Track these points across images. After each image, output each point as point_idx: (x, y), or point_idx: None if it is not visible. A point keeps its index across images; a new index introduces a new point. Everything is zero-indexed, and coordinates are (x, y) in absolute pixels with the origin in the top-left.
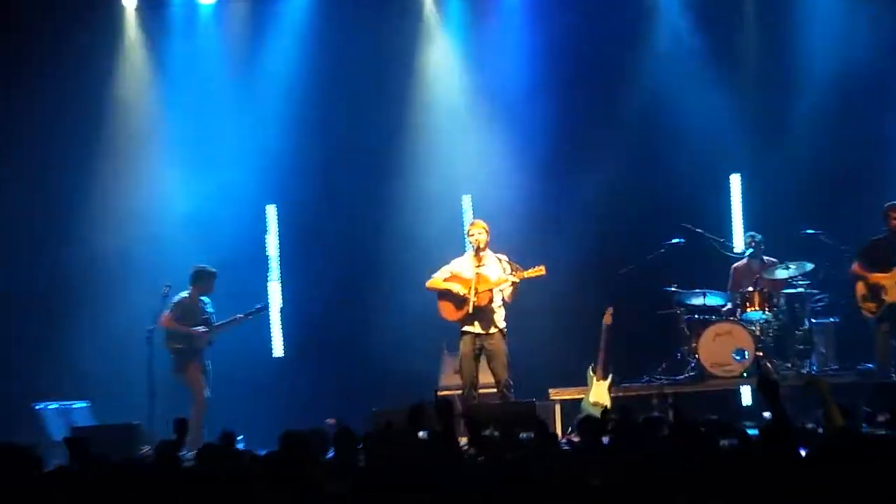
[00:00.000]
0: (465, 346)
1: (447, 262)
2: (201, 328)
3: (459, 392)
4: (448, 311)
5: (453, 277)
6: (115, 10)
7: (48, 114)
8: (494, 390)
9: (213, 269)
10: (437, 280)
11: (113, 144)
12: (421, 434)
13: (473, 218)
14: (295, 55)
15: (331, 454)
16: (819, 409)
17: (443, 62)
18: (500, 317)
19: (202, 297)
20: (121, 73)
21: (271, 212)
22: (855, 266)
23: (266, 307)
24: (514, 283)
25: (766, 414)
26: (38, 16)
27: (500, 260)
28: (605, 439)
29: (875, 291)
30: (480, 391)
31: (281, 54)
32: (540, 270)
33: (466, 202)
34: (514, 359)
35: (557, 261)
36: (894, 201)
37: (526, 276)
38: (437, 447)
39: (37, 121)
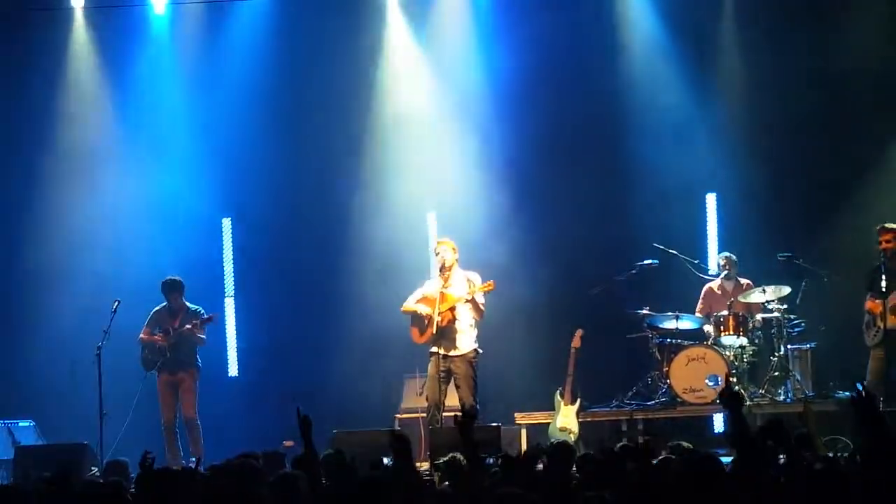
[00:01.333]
0: (431, 367)
1: (410, 282)
2: (156, 337)
3: (423, 415)
4: (415, 334)
5: (423, 300)
6: (64, 14)
7: None
8: (460, 413)
9: (168, 279)
10: (409, 303)
11: (61, 152)
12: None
13: (439, 236)
14: (251, 64)
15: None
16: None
17: (408, 75)
18: (467, 338)
19: (187, 304)
20: (68, 78)
21: (226, 225)
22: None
23: (214, 318)
24: (468, 301)
25: None
26: None
27: (469, 280)
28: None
29: (873, 319)
30: (445, 414)
31: (237, 63)
32: (489, 286)
33: (431, 220)
34: (483, 383)
35: (525, 281)
36: (885, 224)
37: (477, 290)
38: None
39: None
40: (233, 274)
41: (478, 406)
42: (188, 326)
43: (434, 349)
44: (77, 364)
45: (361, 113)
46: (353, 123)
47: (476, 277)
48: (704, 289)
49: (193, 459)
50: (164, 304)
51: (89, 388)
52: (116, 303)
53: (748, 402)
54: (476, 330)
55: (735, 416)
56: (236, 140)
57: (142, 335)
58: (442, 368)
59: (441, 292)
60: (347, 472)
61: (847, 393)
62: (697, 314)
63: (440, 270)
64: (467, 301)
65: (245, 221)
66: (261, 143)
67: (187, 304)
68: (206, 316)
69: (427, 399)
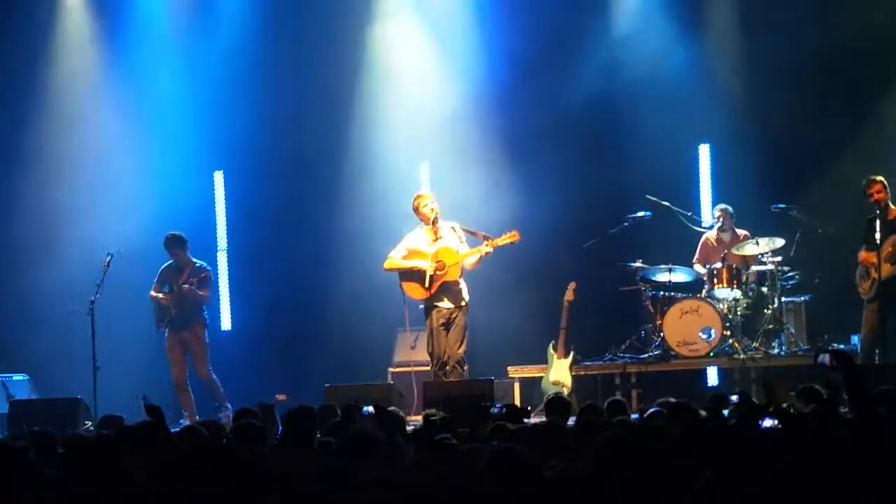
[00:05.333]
0: (433, 320)
1: (403, 233)
2: (160, 296)
3: (417, 368)
4: (415, 290)
5: (412, 254)
6: None
7: None
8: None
9: (169, 234)
10: (396, 259)
11: (52, 104)
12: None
13: (420, 190)
14: (244, 16)
15: (280, 431)
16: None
17: (401, 32)
18: (465, 289)
19: (193, 260)
20: (61, 31)
21: (219, 178)
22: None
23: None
24: (486, 254)
25: (733, 396)
26: None
27: (453, 229)
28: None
29: (867, 270)
30: (417, 368)
31: (229, 15)
32: (514, 236)
33: (424, 170)
34: (472, 335)
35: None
36: (870, 176)
37: (500, 243)
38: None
39: None
40: (226, 228)
41: (464, 357)
42: (185, 286)
43: (435, 303)
44: (70, 317)
45: (355, 66)
46: (347, 75)
47: (457, 226)
48: (701, 239)
49: (228, 406)
50: (169, 261)
51: (83, 342)
52: (108, 256)
53: (742, 356)
54: (466, 282)
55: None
56: (228, 92)
57: (150, 292)
58: (443, 321)
59: (442, 247)
60: (338, 425)
61: (841, 346)
62: (695, 265)
63: (432, 223)
64: (487, 253)
65: (237, 175)
66: (252, 95)
67: (193, 259)
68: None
69: (432, 353)
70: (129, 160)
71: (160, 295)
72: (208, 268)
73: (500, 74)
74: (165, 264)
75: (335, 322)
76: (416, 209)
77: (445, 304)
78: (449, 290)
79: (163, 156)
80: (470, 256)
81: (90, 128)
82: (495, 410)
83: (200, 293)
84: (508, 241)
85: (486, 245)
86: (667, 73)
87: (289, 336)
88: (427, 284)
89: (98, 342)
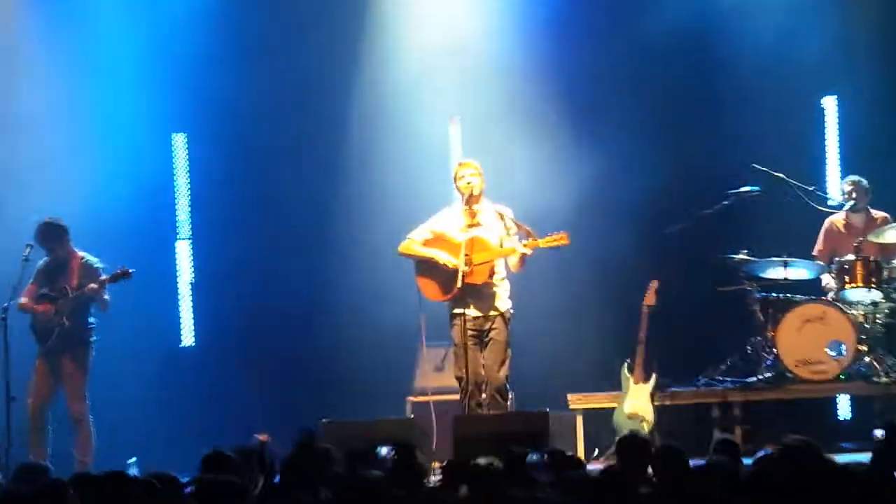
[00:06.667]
0: (458, 333)
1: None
2: (38, 307)
3: (443, 397)
4: (431, 289)
5: (437, 240)
6: None
7: None
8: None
9: (43, 223)
10: (413, 243)
11: None
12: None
13: (464, 156)
14: None
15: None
16: None
17: None
18: (503, 294)
19: (79, 253)
20: None
21: (179, 142)
22: None
23: (128, 273)
24: (524, 255)
25: (878, 432)
26: None
27: (501, 216)
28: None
29: None
30: (445, 396)
31: None
32: (561, 238)
33: (455, 130)
34: (520, 354)
35: (581, 219)
36: None
37: (542, 245)
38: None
39: None
40: (188, 210)
41: (508, 385)
42: (92, 286)
43: (460, 310)
44: None
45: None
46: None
47: (509, 212)
48: (825, 225)
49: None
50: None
51: None
52: (28, 248)
53: (885, 379)
54: (509, 283)
55: None
56: (196, 36)
57: (22, 300)
58: (471, 334)
59: (473, 237)
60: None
61: None
62: (815, 258)
63: (467, 202)
64: (525, 255)
65: (205, 138)
66: (227, 36)
67: (79, 253)
68: (117, 271)
69: (461, 374)
70: (64, 118)
71: (37, 305)
72: (102, 265)
73: (553, 6)
74: (42, 262)
75: (334, 336)
76: (454, 180)
77: (472, 311)
78: (476, 293)
79: (108, 114)
80: (505, 256)
81: (21, 83)
82: (534, 459)
83: (106, 297)
84: (554, 243)
85: (526, 244)
86: (779, 3)
87: (271, 354)
88: (450, 284)
89: (11, 364)
